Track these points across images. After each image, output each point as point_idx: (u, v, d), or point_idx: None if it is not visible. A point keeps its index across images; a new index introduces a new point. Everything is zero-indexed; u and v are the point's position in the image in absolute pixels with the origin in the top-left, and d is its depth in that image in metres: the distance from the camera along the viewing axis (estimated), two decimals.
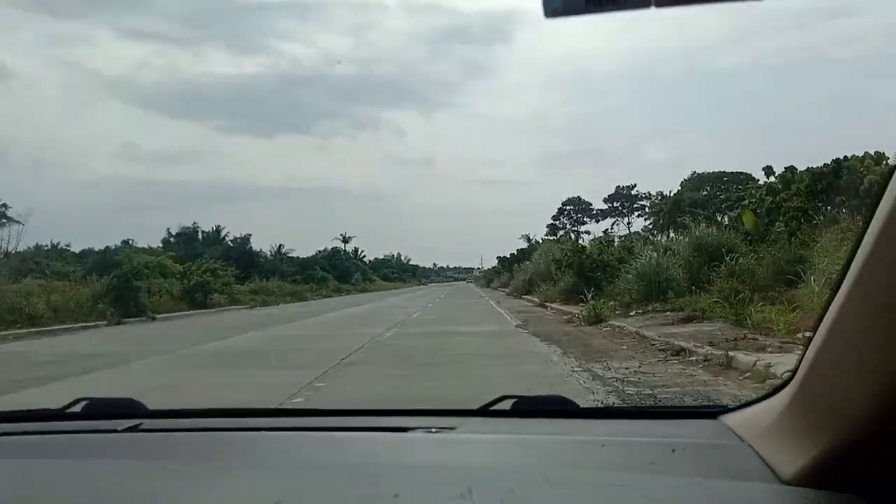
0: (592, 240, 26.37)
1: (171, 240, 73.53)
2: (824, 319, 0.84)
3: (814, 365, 0.88)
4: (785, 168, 19.81)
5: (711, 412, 1.31)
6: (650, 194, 60.62)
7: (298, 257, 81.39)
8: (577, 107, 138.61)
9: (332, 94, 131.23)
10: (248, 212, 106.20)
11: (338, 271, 78.14)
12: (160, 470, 1.11)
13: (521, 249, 52.66)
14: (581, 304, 16.91)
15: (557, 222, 77.90)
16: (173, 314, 26.25)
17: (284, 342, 13.44)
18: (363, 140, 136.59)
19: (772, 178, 20.52)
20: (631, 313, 13.84)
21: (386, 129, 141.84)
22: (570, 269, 21.35)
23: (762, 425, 1.04)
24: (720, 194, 42.42)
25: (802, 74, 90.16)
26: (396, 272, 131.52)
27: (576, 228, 76.80)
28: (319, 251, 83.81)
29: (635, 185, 62.93)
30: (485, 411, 1.45)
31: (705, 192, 47.78)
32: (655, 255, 15.35)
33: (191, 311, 28.31)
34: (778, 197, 18.18)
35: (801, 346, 1.57)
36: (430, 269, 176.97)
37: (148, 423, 1.45)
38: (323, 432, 1.41)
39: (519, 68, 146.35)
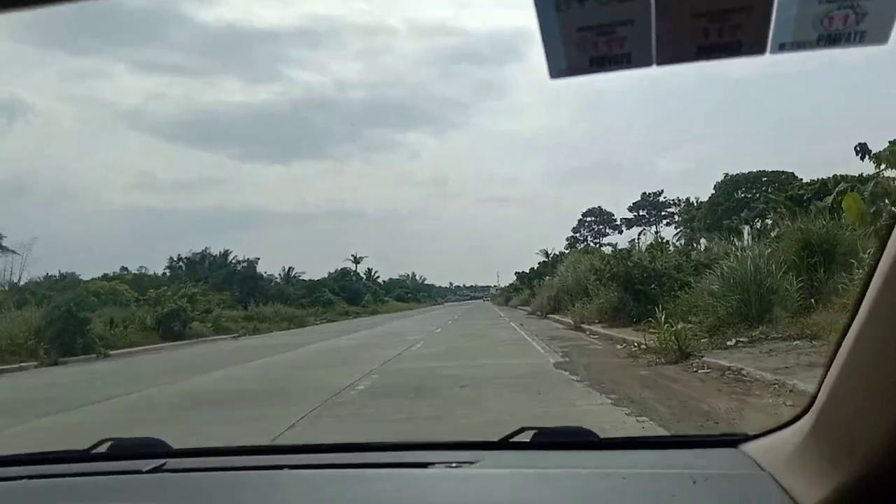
0: (648, 245, 21.61)
1: (178, 265, 70.86)
2: (842, 346, 0.83)
3: (833, 392, 0.87)
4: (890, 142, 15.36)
5: (732, 441, 1.30)
6: (679, 200, 56.06)
7: (308, 280, 77.83)
8: (589, 121, 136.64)
9: (346, 119, 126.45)
10: (265, 237, 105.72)
11: (347, 293, 74.10)
12: None
13: (542, 263, 48.24)
14: (635, 328, 12.38)
15: (577, 234, 73.28)
16: (136, 349, 22.11)
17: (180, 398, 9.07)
18: (377, 162, 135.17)
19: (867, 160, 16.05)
20: (729, 342, 9.32)
21: (399, 151, 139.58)
22: (614, 282, 16.81)
23: (782, 454, 1.04)
24: (758, 195, 38.47)
25: (815, 81, 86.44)
26: (410, 292, 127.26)
27: (598, 240, 72.21)
28: (330, 273, 79.92)
29: (662, 191, 58.39)
30: (505, 444, 1.45)
31: (742, 195, 43.22)
32: (750, 255, 10.77)
33: (161, 344, 24.18)
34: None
35: None
36: (446, 288, 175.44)
37: (172, 462, 1.45)
38: (346, 469, 1.40)
39: (529, 86, 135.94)
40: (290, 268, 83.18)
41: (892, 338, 0.72)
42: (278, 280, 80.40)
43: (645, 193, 59.01)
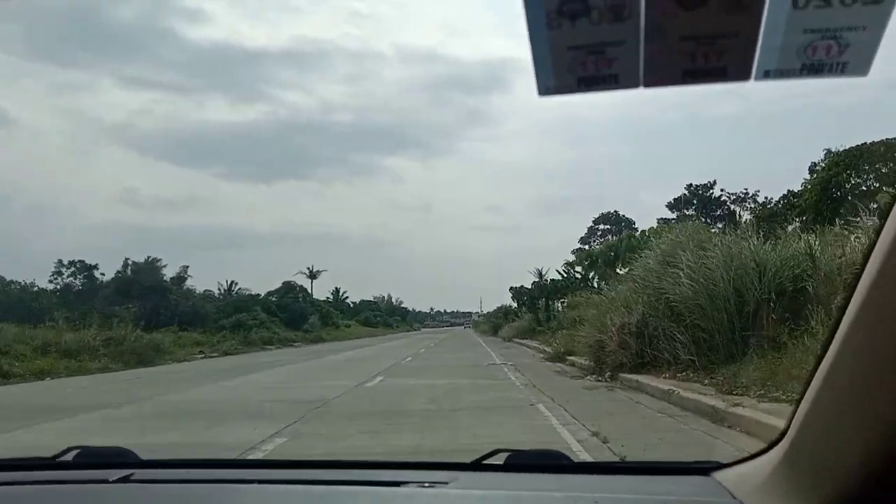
0: None
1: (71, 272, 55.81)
2: (815, 375, 0.84)
3: (805, 423, 0.88)
4: None
5: (704, 468, 1.29)
6: (746, 193, 40.32)
7: (247, 294, 60.88)
8: (575, 153, 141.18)
9: (331, 142, 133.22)
10: (247, 259, 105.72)
11: (289, 313, 57.33)
12: None
13: (536, 284, 32.39)
14: None
15: (587, 246, 57.18)
16: None
17: None
18: (361, 186, 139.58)
19: None
20: None
21: (384, 176, 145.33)
22: None
23: (754, 482, 1.04)
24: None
25: (798, 121, 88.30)
26: (381, 315, 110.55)
27: None
28: (269, 291, 62.95)
29: (714, 182, 42.68)
30: (478, 465, 1.44)
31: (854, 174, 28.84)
32: None
33: None
34: None
35: None
36: (426, 313, 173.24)
37: (140, 473, 1.42)
38: (316, 485, 1.36)
39: (517, 115, 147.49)
40: (231, 282, 66.28)
41: (865, 369, 0.72)
42: (216, 295, 63.34)
43: (691, 185, 43.34)
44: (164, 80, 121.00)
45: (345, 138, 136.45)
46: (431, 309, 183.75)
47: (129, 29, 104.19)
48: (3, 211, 66.35)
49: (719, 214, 40.96)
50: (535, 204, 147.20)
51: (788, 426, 0.95)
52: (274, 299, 60.53)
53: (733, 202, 40.90)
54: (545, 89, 0.65)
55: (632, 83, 0.64)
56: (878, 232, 0.71)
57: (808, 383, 0.87)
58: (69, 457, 1.52)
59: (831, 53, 0.61)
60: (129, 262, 52.96)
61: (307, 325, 54.96)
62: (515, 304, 35.57)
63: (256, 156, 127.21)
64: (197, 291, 57.54)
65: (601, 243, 57.23)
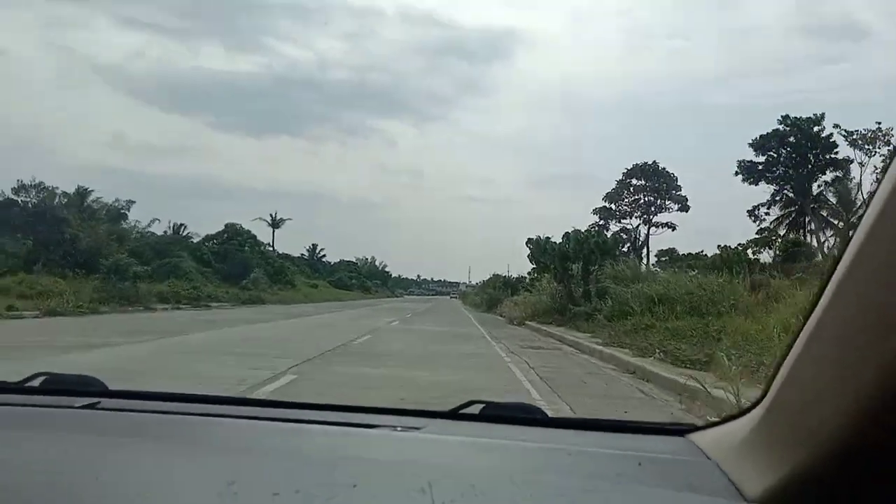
0: None
1: None
2: (797, 340, 0.84)
3: (786, 383, 0.88)
4: None
5: (680, 430, 1.30)
6: (878, 130, 27.89)
7: (177, 236, 48.16)
8: (569, 131, 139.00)
9: (326, 99, 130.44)
10: (232, 212, 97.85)
11: (228, 264, 44.96)
12: (114, 447, 1.09)
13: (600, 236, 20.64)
14: None
15: (613, 206, 44.97)
16: None
17: None
18: (353, 147, 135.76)
19: None
20: None
21: (377, 138, 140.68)
22: None
23: (730, 444, 1.04)
24: None
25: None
26: (357, 277, 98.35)
27: (650, 215, 43.99)
28: (210, 234, 50.04)
29: (823, 116, 30.18)
30: (453, 414, 1.44)
31: None
32: None
33: None
34: None
35: None
36: (411, 280, 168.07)
37: (106, 402, 1.42)
38: (286, 423, 1.35)
39: (513, 88, 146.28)
40: (179, 224, 53.37)
41: (852, 328, 0.72)
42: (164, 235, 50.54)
43: (788, 118, 30.76)
44: (160, 23, 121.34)
45: (340, 97, 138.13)
46: (418, 276, 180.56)
47: None
48: None
49: (829, 159, 28.67)
50: (527, 177, 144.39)
51: (767, 389, 0.95)
52: (212, 245, 48.08)
53: (852, 143, 28.50)
54: None
55: None
56: (879, 182, 0.69)
57: (790, 347, 0.87)
58: (36, 382, 1.51)
59: None
60: (20, 183, 40.03)
61: (247, 280, 42.66)
62: (533, 265, 23.30)
63: (249, 108, 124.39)
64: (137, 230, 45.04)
65: (632, 200, 45.15)
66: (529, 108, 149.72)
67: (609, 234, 26.82)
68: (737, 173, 33.52)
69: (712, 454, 1.09)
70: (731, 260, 21.18)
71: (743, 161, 33.00)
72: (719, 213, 75.72)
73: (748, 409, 1.04)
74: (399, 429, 1.30)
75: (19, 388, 1.51)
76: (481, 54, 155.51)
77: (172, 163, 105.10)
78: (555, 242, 20.62)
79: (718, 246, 29.85)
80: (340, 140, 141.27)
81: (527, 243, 21.18)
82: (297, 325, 18.36)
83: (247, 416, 1.39)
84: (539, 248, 20.79)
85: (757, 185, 32.69)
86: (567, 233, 20.68)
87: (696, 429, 1.27)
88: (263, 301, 38.41)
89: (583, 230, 20.47)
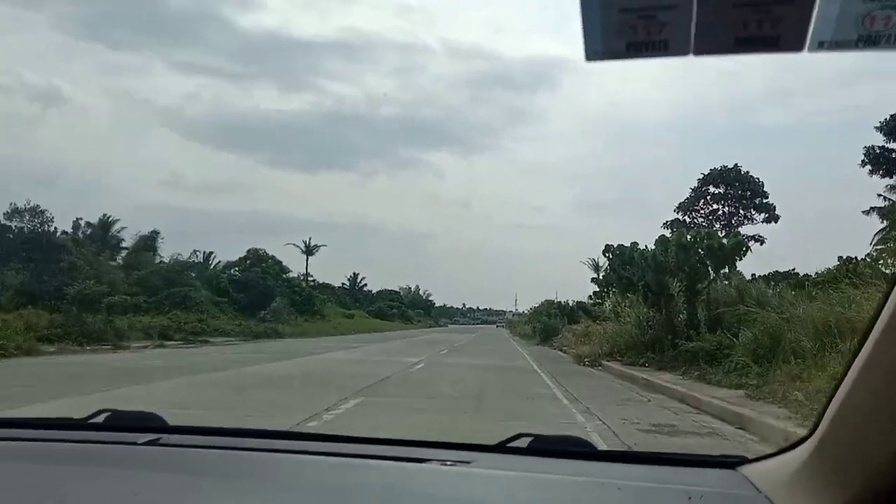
0: None
1: None
2: (848, 374, 0.83)
3: (835, 419, 0.88)
4: None
5: (730, 462, 1.27)
6: None
7: (189, 262, 43.70)
8: (619, 155, 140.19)
9: (375, 134, 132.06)
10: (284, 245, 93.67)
11: (248, 293, 40.10)
12: (177, 484, 1.11)
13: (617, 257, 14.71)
14: None
15: (687, 216, 38.27)
16: None
17: None
18: (403, 179, 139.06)
19: None
20: None
21: (425, 170, 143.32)
22: None
23: (780, 478, 1.03)
24: None
25: (848, 134, 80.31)
26: (398, 307, 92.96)
27: (732, 227, 36.96)
28: (230, 261, 45.35)
29: None
30: (501, 448, 1.42)
31: None
32: None
33: None
34: None
35: None
36: (456, 308, 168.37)
37: (167, 437, 1.43)
38: (340, 458, 1.36)
39: (561, 115, 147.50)
40: (209, 252, 49.25)
41: None
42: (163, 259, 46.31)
43: None
44: (213, 66, 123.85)
45: (389, 131, 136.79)
46: (463, 305, 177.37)
47: (182, 14, 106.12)
48: (52, 187, 66.34)
49: None
50: (576, 205, 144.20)
51: (818, 423, 0.94)
52: (234, 272, 43.40)
53: None
54: (593, 54, 0.63)
55: (682, 50, 0.61)
56: None
57: (841, 381, 0.86)
58: (100, 419, 1.53)
59: (890, 24, 0.58)
60: (13, 206, 36.17)
61: (266, 310, 37.58)
62: (598, 288, 17.20)
63: (301, 144, 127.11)
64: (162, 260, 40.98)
65: (710, 211, 38.37)
66: (577, 134, 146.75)
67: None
68: (863, 163, 26.85)
69: (763, 488, 1.07)
70: (860, 274, 14.91)
71: (871, 148, 26.24)
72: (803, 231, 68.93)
73: (799, 442, 1.02)
74: (449, 463, 1.30)
75: (84, 424, 1.53)
76: (528, 84, 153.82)
77: (228, 199, 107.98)
78: (645, 249, 14.49)
79: (840, 258, 23.03)
80: (390, 173, 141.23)
81: (604, 252, 15.13)
82: (252, 378, 12.68)
83: (304, 450, 1.41)
84: (622, 259, 14.69)
85: (893, 175, 25.90)
86: (663, 236, 14.56)
87: (747, 461, 1.24)
88: (280, 335, 33.17)
89: (686, 233, 14.21)
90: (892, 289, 0.75)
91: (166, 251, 41.70)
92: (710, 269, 13.97)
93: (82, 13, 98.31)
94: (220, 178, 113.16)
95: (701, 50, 0.61)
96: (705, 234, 13.80)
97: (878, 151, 26.84)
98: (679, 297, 14.48)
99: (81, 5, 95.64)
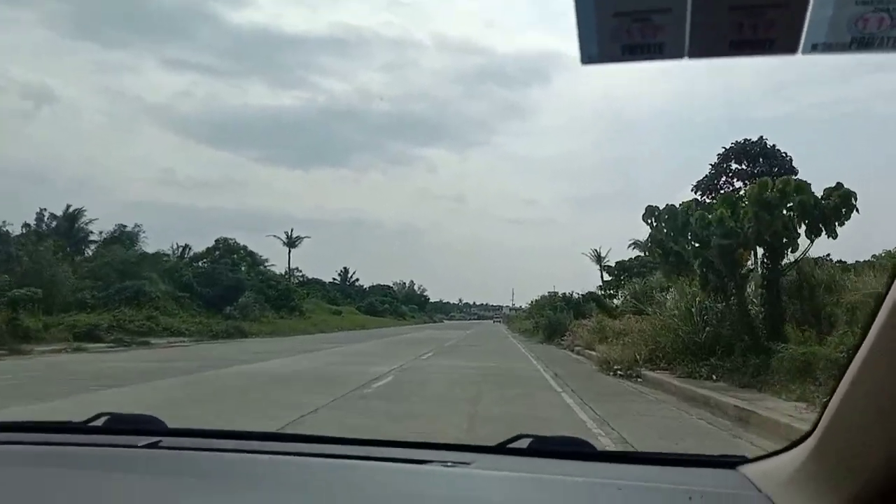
0: None
1: None
2: (847, 373, 0.84)
3: (834, 419, 0.88)
4: None
5: (730, 462, 1.27)
6: None
7: (145, 253, 39.20)
8: (612, 149, 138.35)
9: (368, 130, 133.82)
10: (275, 241, 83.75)
11: (216, 287, 35.71)
12: (177, 487, 1.11)
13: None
14: None
15: (707, 195, 33.97)
16: None
17: None
18: (395, 174, 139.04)
19: None
20: None
21: (418, 165, 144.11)
22: None
23: (781, 477, 1.04)
24: None
25: (845, 128, 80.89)
26: (390, 302, 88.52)
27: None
28: (197, 252, 40.81)
29: None
30: (501, 449, 1.43)
31: None
32: None
33: None
34: None
35: None
36: (453, 304, 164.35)
37: (167, 440, 1.43)
38: (341, 459, 1.36)
39: (554, 110, 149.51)
40: (184, 245, 44.86)
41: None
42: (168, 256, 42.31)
43: None
44: (204, 63, 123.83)
45: (381, 126, 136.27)
46: (459, 300, 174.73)
47: (173, 11, 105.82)
48: (45, 186, 66.78)
49: None
50: (568, 199, 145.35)
51: (817, 423, 0.94)
52: (202, 265, 38.95)
53: None
54: (588, 58, 0.63)
55: (677, 53, 0.61)
56: None
57: (839, 381, 0.86)
58: (99, 422, 1.53)
59: (882, 26, 0.59)
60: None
61: (232, 307, 33.16)
62: (607, 276, 13.03)
63: (293, 141, 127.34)
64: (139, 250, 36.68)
65: (732, 191, 34.13)
66: (570, 128, 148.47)
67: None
68: None
69: (764, 487, 1.07)
70: None
71: None
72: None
73: (799, 441, 1.02)
74: (450, 464, 1.30)
75: (84, 427, 1.53)
76: (520, 79, 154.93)
77: (220, 196, 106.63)
78: (705, 212, 10.16)
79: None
80: (382, 168, 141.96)
81: (645, 217, 10.78)
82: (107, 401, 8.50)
83: (302, 452, 1.40)
84: (672, 226, 10.37)
85: None
86: (728, 194, 10.33)
87: (747, 461, 1.24)
88: (244, 334, 28.82)
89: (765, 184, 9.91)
90: (890, 288, 0.74)
91: (152, 248, 37.74)
92: (798, 237, 9.73)
93: (73, 11, 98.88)
94: (212, 174, 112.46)
95: (695, 53, 0.61)
96: (795, 185, 9.52)
97: None
98: (754, 278, 10.23)
99: (72, 3, 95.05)
